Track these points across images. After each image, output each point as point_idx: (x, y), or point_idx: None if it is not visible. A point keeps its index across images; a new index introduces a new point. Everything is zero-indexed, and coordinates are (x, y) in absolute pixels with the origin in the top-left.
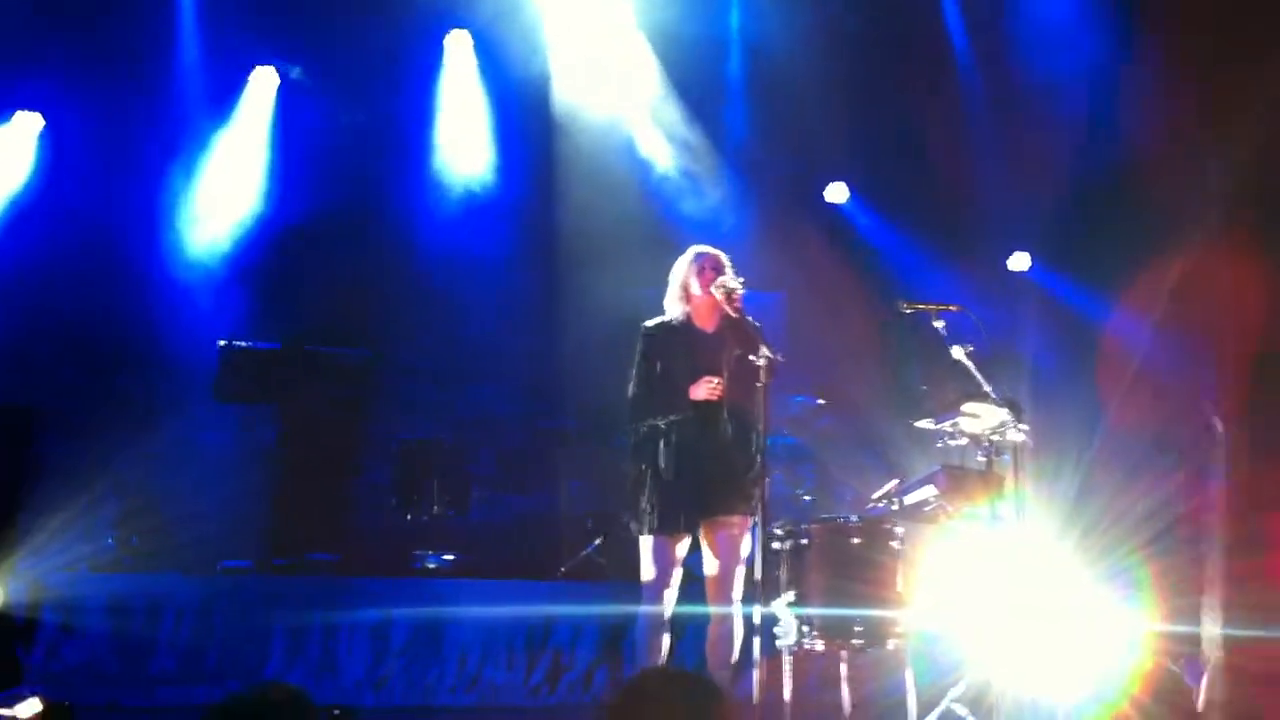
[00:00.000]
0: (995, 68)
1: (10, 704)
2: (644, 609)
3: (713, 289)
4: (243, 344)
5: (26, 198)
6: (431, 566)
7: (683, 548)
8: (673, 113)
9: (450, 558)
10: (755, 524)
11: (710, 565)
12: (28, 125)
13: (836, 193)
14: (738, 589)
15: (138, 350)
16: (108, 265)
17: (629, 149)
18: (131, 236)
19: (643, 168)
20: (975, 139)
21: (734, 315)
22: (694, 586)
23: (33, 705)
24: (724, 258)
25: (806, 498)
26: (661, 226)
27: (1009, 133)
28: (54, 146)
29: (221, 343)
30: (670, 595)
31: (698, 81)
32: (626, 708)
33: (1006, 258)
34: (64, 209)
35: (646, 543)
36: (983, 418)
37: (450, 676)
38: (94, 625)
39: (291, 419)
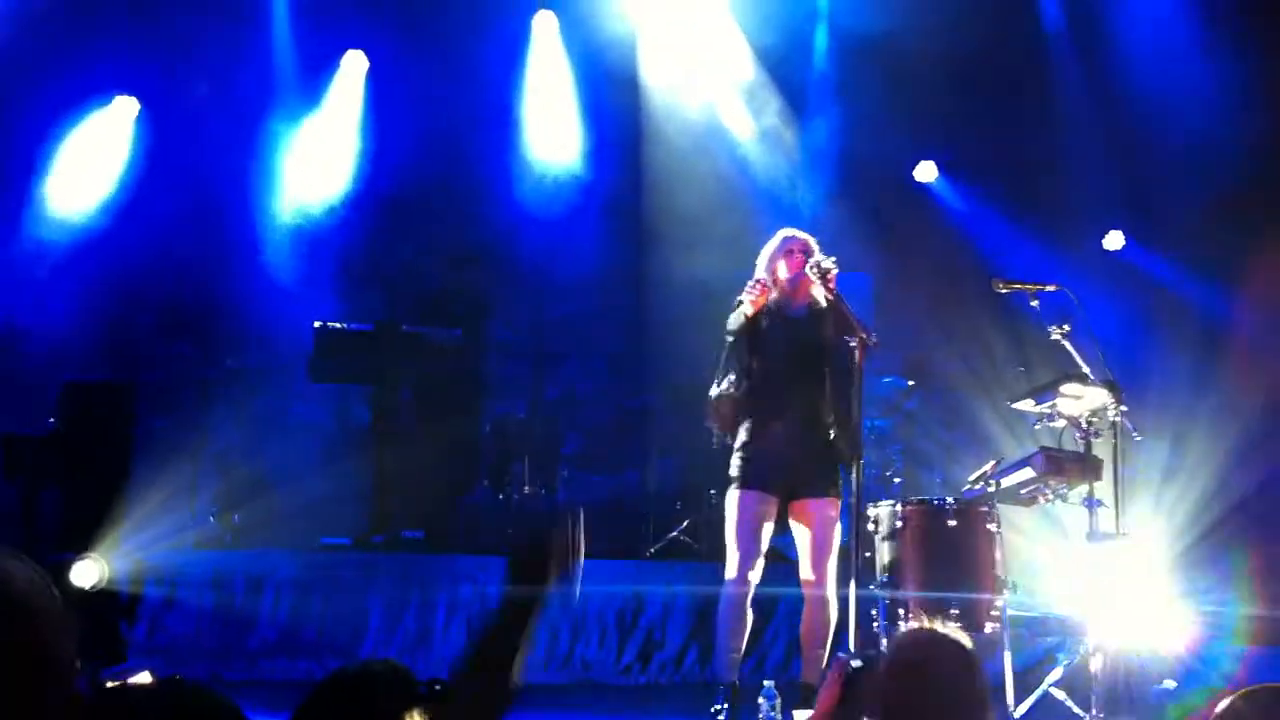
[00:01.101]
0: (1091, 42)
1: (121, 679)
2: (728, 576)
3: (808, 270)
4: (337, 325)
5: (126, 179)
6: None
7: (770, 513)
8: (761, 92)
9: None
10: (849, 505)
11: (802, 546)
12: (126, 109)
13: (925, 171)
14: (830, 571)
15: (237, 328)
16: (206, 245)
17: (716, 128)
18: (229, 216)
19: (730, 146)
20: (1070, 115)
21: (829, 297)
22: (788, 569)
23: (143, 678)
24: (812, 241)
25: (896, 480)
26: (748, 205)
27: (1105, 110)
28: (152, 129)
29: (316, 324)
30: (756, 563)
31: (785, 59)
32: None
33: (1102, 237)
34: (163, 190)
35: (732, 499)
36: (1082, 399)
37: (541, 651)
38: (196, 600)
39: (385, 399)
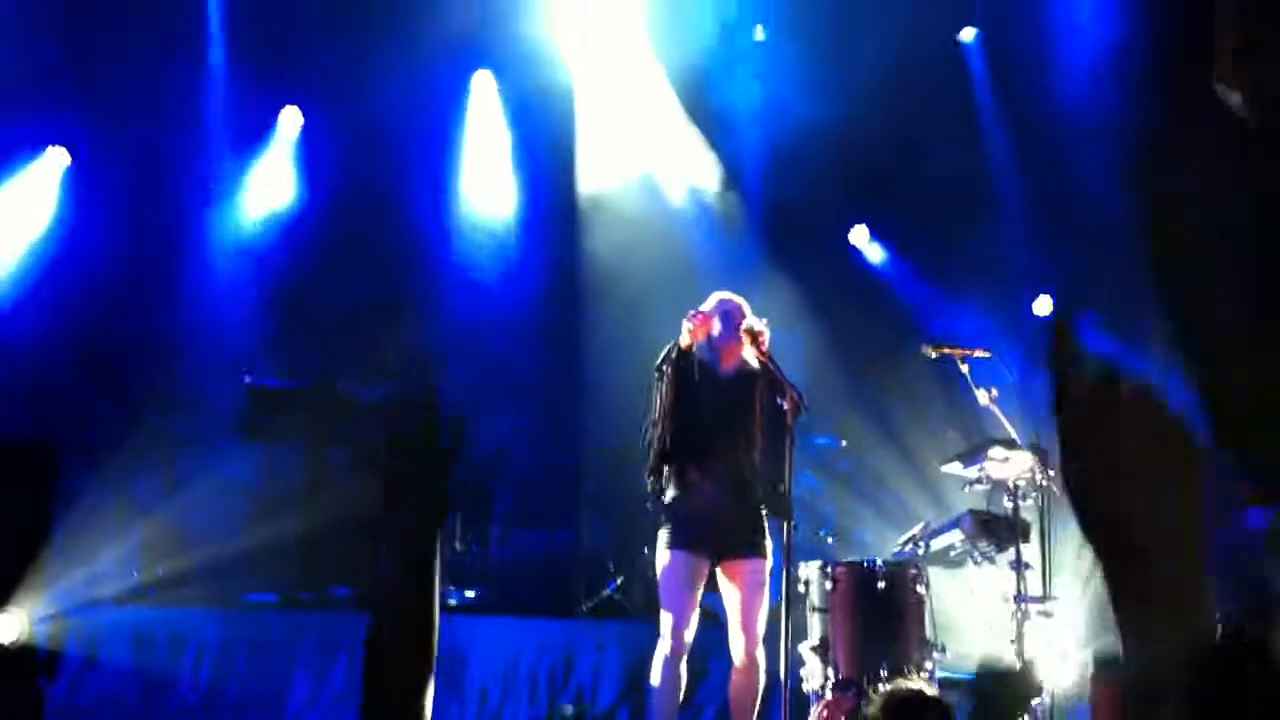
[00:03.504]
0: (1020, 113)
1: None
2: (661, 637)
3: (741, 331)
4: (270, 384)
5: (51, 233)
6: (453, 603)
7: (700, 573)
8: (695, 155)
9: (472, 594)
10: (779, 566)
11: (731, 607)
12: (54, 161)
13: (859, 235)
14: (759, 632)
15: (163, 385)
16: (133, 300)
17: (651, 189)
18: (158, 271)
19: (664, 208)
20: (1001, 183)
21: (760, 358)
22: (717, 630)
23: None
24: (744, 304)
25: (829, 540)
26: (683, 265)
27: (1034, 177)
28: (80, 183)
29: (248, 382)
30: (688, 623)
31: (722, 121)
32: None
33: (1031, 302)
34: (89, 244)
35: (663, 559)
36: (1009, 462)
37: (471, 713)
38: (117, 658)
39: (317, 457)
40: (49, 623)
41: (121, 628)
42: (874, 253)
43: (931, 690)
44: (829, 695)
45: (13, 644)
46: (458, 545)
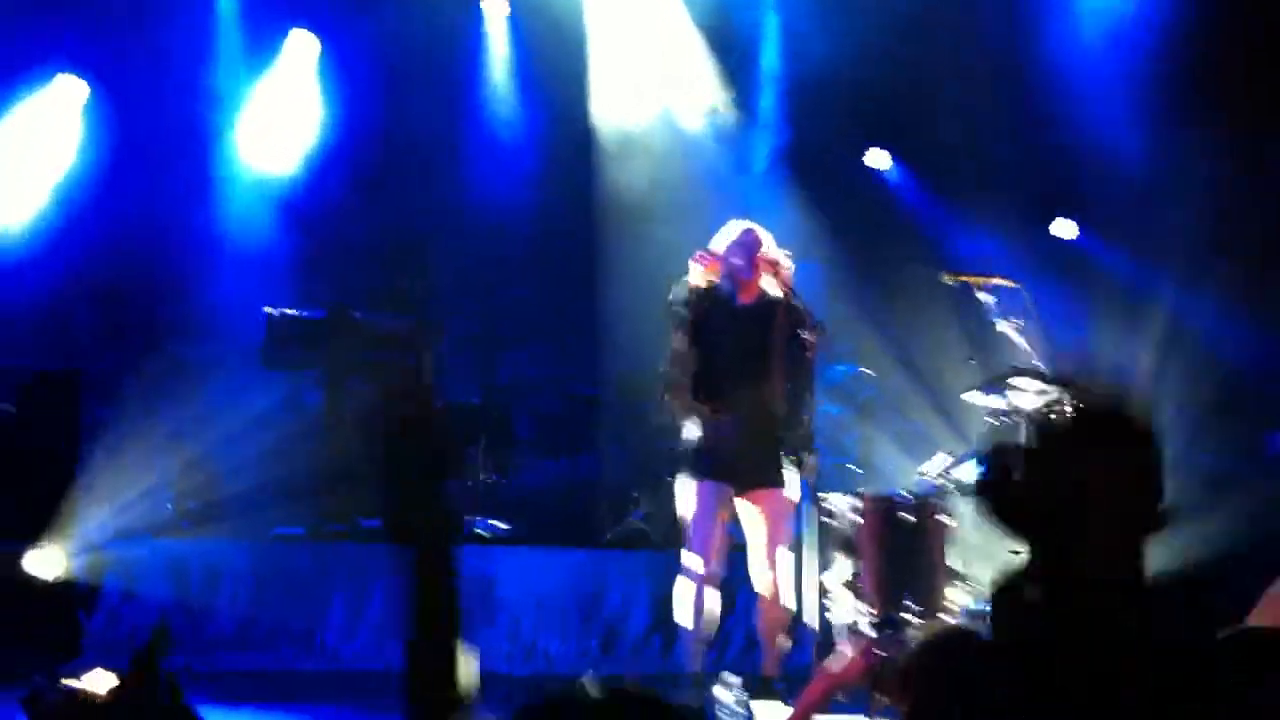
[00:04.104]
0: (1045, 28)
1: (77, 675)
2: (688, 566)
3: (761, 262)
4: (290, 312)
5: (71, 163)
6: (480, 533)
7: (724, 502)
8: (712, 78)
9: (498, 524)
10: (805, 497)
11: (753, 539)
12: (69, 89)
13: (876, 158)
14: (782, 562)
15: (185, 315)
16: (153, 230)
17: (667, 118)
18: (175, 201)
19: (681, 136)
20: (1022, 101)
21: (781, 288)
22: (744, 560)
23: (101, 678)
24: (764, 233)
25: (852, 468)
26: (700, 194)
27: (1057, 94)
28: (96, 110)
29: (269, 310)
30: (715, 551)
31: (737, 45)
32: None
33: (1051, 224)
34: (107, 174)
35: (687, 490)
36: (1031, 392)
37: (503, 641)
38: (154, 591)
39: (337, 386)
40: (85, 556)
41: (157, 560)
42: (892, 175)
43: (968, 625)
44: (867, 634)
45: (51, 579)
46: (481, 475)
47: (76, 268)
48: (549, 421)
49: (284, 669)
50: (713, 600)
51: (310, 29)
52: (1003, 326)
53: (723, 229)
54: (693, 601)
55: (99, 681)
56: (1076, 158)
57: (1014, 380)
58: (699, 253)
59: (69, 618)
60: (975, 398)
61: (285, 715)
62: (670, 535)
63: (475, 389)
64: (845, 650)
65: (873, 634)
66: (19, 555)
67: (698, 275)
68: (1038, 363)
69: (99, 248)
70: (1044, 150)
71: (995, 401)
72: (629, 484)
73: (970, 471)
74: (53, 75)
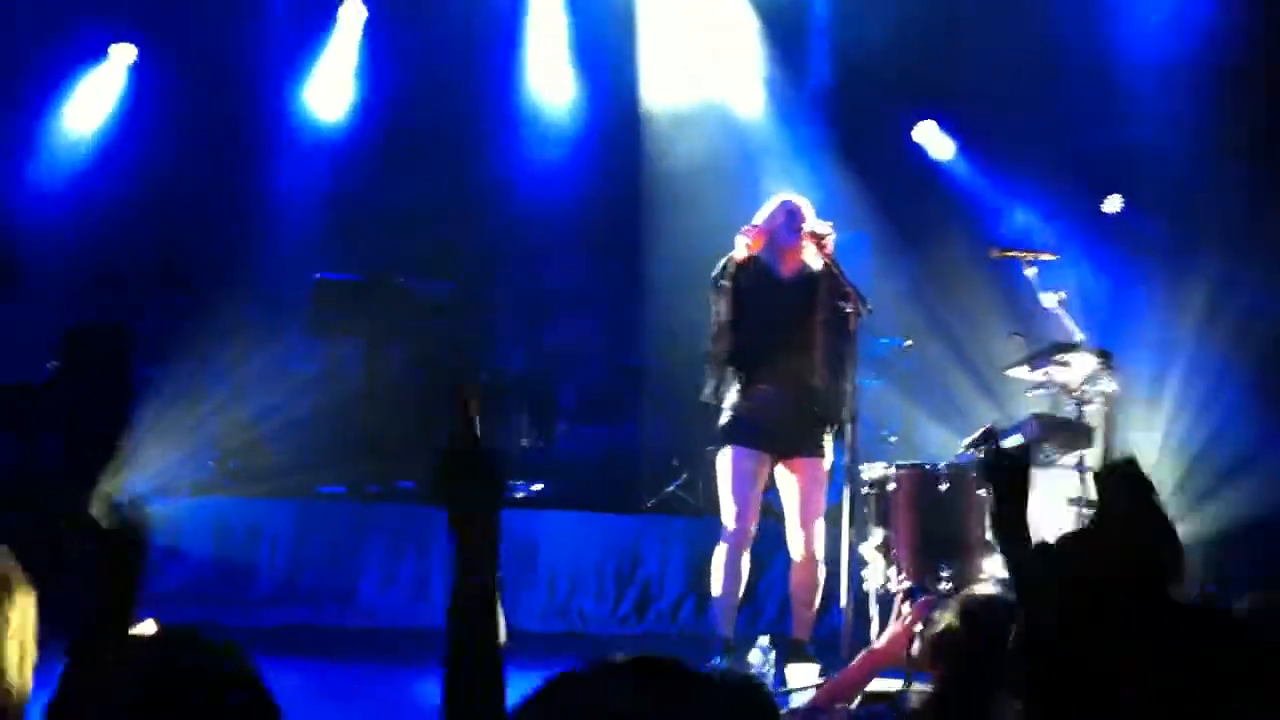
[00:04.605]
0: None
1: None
2: (725, 531)
3: (805, 234)
4: (334, 276)
5: (123, 127)
6: (520, 496)
7: (762, 471)
8: (760, 47)
9: (539, 487)
10: (844, 467)
11: (789, 506)
12: (122, 55)
13: (924, 132)
14: (818, 531)
15: (232, 276)
16: (201, 193)
17: (717, 89)
18: (224, 167)
19: (728, 107)
20: (1071, 78)
21: (824, 261)
22: (779, 527)
23: (148, 627)
24: (808, 205)
25: (893, 440)
26: (747, 164)
27: (1106, 71)
28: (146, 74)
29: (315, 276)
30: (751, 518)
31: (785, 13)
32: None
33: (1101, 201)
34: (159, 139)
35: (725, 456)
36: (1074, 366)
37: (541, 601)
38: (197, 547)
39: (380, 351)
40: (134, 510)
41: (200, 517)
42: (942, 150)
43: (1003, 593)
44: (902, 603)
45: (99, 531)
46: (524, 441)
47: (130, 229)
48: (593, 390)
49: (323, 625)
50: (745, 566)
51: None
52: (1047, 301)
53: (769, 201)
54: (724, 567)
55: (147, 630)
56: (1124, 132)
57: (1056, 354)
58: (745, 227)
59: (128, 569)
60: (1019, 371)
61: (324, 670)
62: (709, 502)
63: (520, 356)
64: (887, 626)
65: (908, 604)
66: (73, 511)
67: (742, 249)
68: (1079, 336)
69: (152, 209)
70: (1092, 126)
71: (1038, 375)
72: (670, 452)
73: (1010, 444)
74: (106, 43)
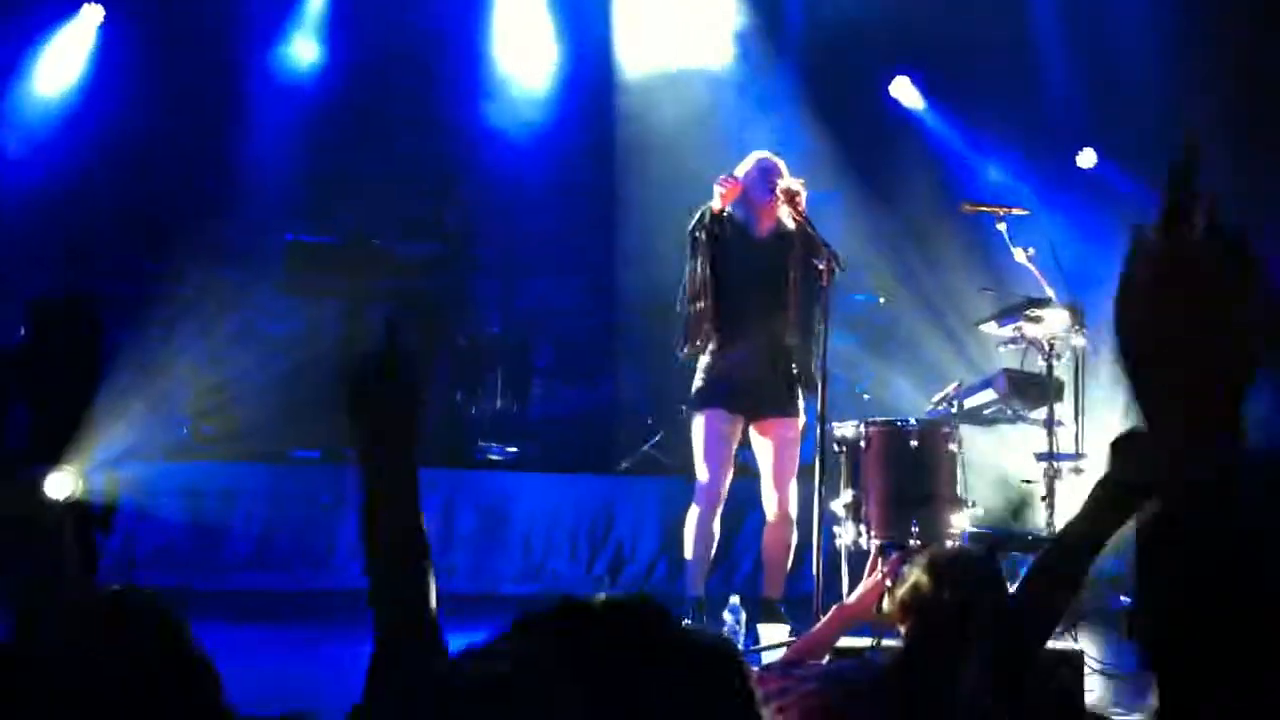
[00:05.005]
0: None
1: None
2: (696, 493)
3: (777, 192)
4: (307, 238)
5: (89, 87)
6: (495, 458)
7: (734, 431)
8: (732, 6)
9: (514, 450)
10: (814, 424)
11: (763, 465)
12: (90, 16)
13: (898, 87)
14: (791, 490)
15: (204, 240)
16: (172, 155)
17: (687, 46)
18: (196, 128)
19: (701, 65)
20: (1043, 30)
21: (797, 219)
22: (753, 485)
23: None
24: (782, 163)
25: (866, 397)
26: (720, 122)
27: (1078, 22)
28: (114, 36)
29: (288, 237)
30: (723, 480)
31: None
32: None
33: (1074, 154)
34: (127, 98)
35: (698, 418)
36: (1045, 322)
37: (514, 565)
38: (170, 511)
39: (356, 313)
40: (102, 477)
41: (173, 481)
42: (915, 105)
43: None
44: (876, 560)
45: (67, 499)
46: (499, 402)
47: (96, 195)
48: (568, 350)
49: (299, 589)
50: (716, 528)
51: None
52: (1018, 256)
53: (744, 160)
54: (695, 528)
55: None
56: (1096, 86)
57: (1026, 309)
58: (721, 177)
59: (86, 537)
60: (990, 327)
61: (298, 633)
62: (685, 461)
63: (495, 317)
64: (860, 584)
65: (880, 560)
66: (40, 479)
67: (718, 199)
68: (1050, 291)
69: (121, 172)
70: (1065, 80)
71: (1008, 330)
72: (646, 411)
73: (980, 399)
74: (76, 4)
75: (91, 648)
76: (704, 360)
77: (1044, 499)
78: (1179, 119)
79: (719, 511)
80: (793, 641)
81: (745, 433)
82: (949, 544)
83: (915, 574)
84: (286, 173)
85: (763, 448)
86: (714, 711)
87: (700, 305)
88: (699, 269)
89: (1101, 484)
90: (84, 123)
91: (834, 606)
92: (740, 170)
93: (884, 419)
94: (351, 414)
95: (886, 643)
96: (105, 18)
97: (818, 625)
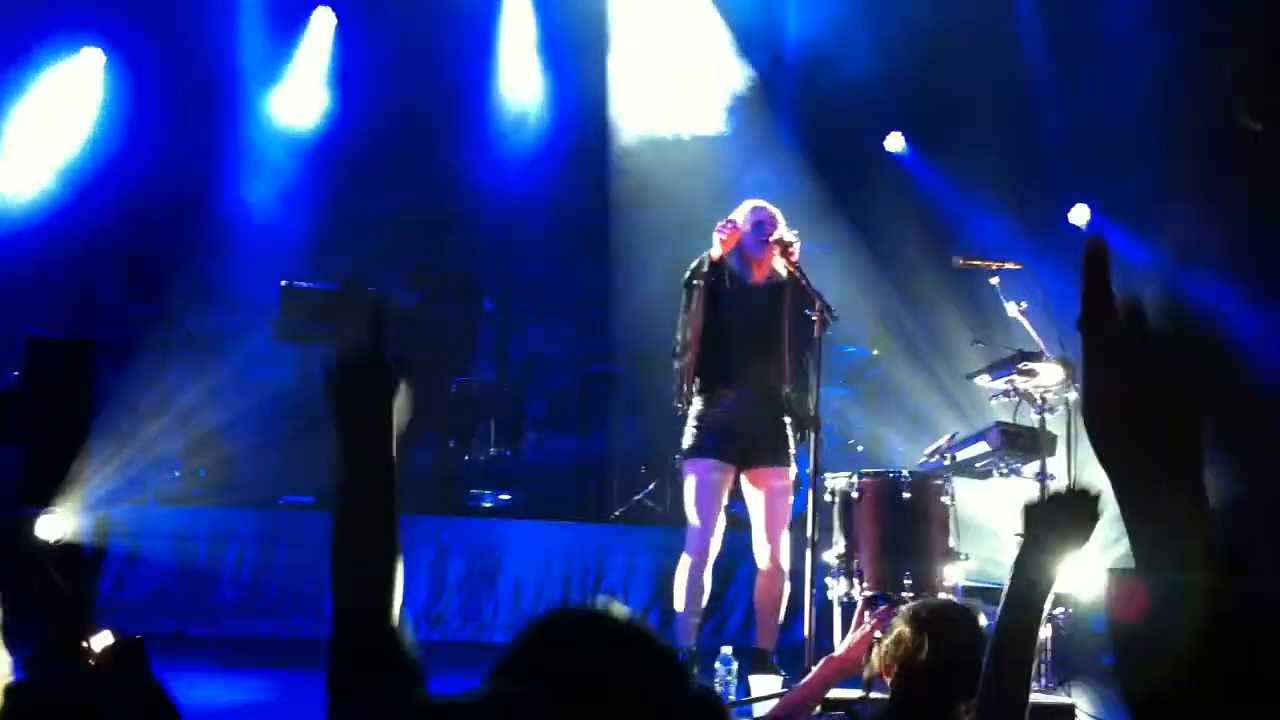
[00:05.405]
0: (1058, 16)
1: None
2: (687, 544)
3: (772, 242)
4: (302, 284)
5: (90, 133)
6: (487, 505)
7: (725, 481)
8: (729, 60)
9: (506, 497)
10: (807, 475)
11: (755, 515)
12: (91, 60)
13: (894, 142)
14: (783, 540)
15: (199, 285)
16: (170, 203)
17: (684, 97)
18: (194, 173)
19: (698, 115)
20: (1038, 89)
21: (790, 269)
22: (745, 536)
23: (104, 638)
24: (777, 213)
25: (859, 448)
26: (715, 175)
27: (1071, 83)
28: (118, 82)
29: (283, 283)
30: (713, 531)
31: (757, 26)
32: None
33: (1067, 212)
34: (127, 145)
35: (689, 468)
36: (1038, 375)
37: (505, 613)
38: (160, 556)
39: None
40: (92, 520)
41: (164, 525)
42: (909, 161)
43: (958, 600)
44: (864, 611)
45: (58, 542)
46: (492, 450)
47: (94, 237)
48: (562, 398)
49: (289, 635)
50: (707, 580)
51: (330, 4)
52: (1010, 310)
53: (738, 208)
54: (686, 580)
55: (103, 642)
56: (1090, 143)
57: (1019, 363)
58: (720, 223)
59: (78, 580)
60: (982, 380)
61: (288, 680)
62: (677, 511)
63: (490, 366)
64: (848, 635)
65: (868, 612)
66: (30, 520)
67: (718, 245)
68: (1042, 345)
69: (117, 218)
70: (1058, 137)
71: (1001, 383)
72: (639, 460)
73: (973, 452)
74: (76, 47)
75: (89, 691)
76: (695, 408)
77: None
78: (1171, 175)
79: (710, 561)
80: (784, 693)
81: (737, 483)
82: (938, 595)
83: (898, 626)
84: (282, 218)
85: (754, 498)
86: None
87: (693, 353)
88: (694, 316)
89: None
90: (83, 167)
91: (822, 659)
92: (738, 215)
93: (877, 470)
94: (331, 403)
95: (874, 695)
96: (107, 61)
97: (806, 678)
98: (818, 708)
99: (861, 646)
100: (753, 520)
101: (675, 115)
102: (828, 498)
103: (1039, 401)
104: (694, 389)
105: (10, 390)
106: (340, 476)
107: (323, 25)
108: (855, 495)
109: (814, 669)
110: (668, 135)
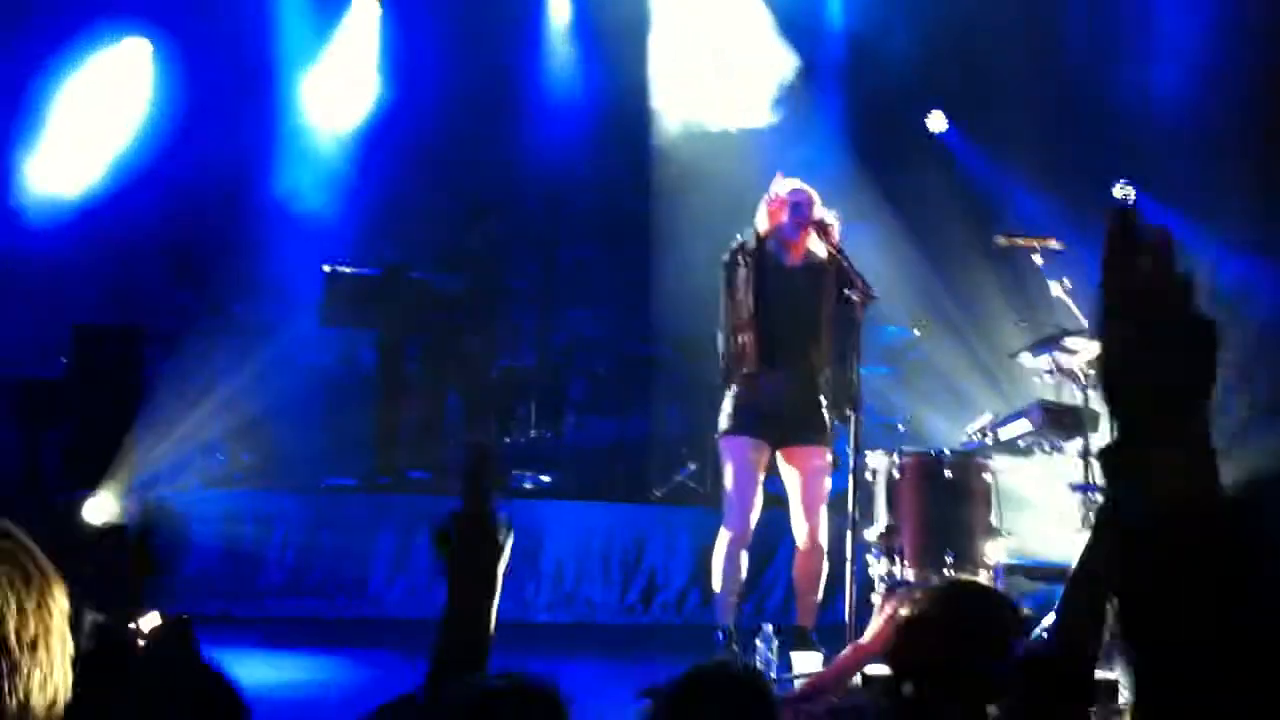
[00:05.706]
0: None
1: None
2: (725, 523)
3: (810, 223)
4: (346, 269)
5: (136, 121)
6: (529, 487)
7: (763, 460)
8: (771, 37)
9: (547, 479)
10: (847, 454)
11: (792, 495)
12: (136, 49)
13: (936, 121)
14: (821, 519)
15: (245, 274)
16: (215, 190)
17: (725, 77)
18: (239, 161)
19: (739, 96)
20: (1080, 70)
21: (829, 249)
22: (784, 514)
23: (152, 618)
24: (814, 193)
25: (900, 428)
26: (757, 153)
27: (1114, 62)
28: (162, 70)
29: (326, 268)
30: (752, 509)
31: (796, 11)
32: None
33: (1111, 188)
34: (173, 133)
35: (726, 446)
36: (1080, 353)
37: (547, 593)
38: (206, 539)
39: (393, 344)
40: (140, 503)
41: (210, 509)
42: (950, 140)
43: (991, 584)
44: (885, 597)
45: (105, 524)
46: (533, 433)
47: (142, 226)
48: (603, 381)
49: (334, 616)
50: (744, 558)
51: None
52: (1054, 289)
53: (773, 184)
54: (724, 559)
55: (151, 623)
56: (1134, 120)
57: (1062, 341)
58: (768, 195)
59: (120, 563)
60: (1025, 358)
61: (333, 660)
62: (718, 491)
63: (530, 349)
64: (877, 617)
65: (890, 597)
66: (79, 504)
67: (765, 219)
68: (1085, 323)
69: (164, 206)
70: (1102, 113)
71: (1043, 363)
72: (680, 442)
73: (1015, 430)
74: (120, 36)
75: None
76: (734, 388)
77: (1077, 529)
78: (1216, 154)
79: (748, 539)
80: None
81: (773, 461)
82: (979, 572)
83: (920, 606)
84: (325, 205)
85: (791, 476)
86: None
87: (734, 333)
88: (736, 295)
89: (1101, 509)
90: (131, 156)
91: (849, 645)
92: (781, 189)
93: (918, 449)
94: (443, 564)
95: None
96: (152, 51)
97: (834, 661)
98: (848, 685)
99: (886, 631)
100: (790, 500)
101: (717, 100)
102: (869, 476)
103: (1082, 379)
104: (735, 369)
105: (60, 378)
106: (446, 628)
107: (366, 12)
108: (897, 474)
109: (840, 654)
110: (709, 120)
